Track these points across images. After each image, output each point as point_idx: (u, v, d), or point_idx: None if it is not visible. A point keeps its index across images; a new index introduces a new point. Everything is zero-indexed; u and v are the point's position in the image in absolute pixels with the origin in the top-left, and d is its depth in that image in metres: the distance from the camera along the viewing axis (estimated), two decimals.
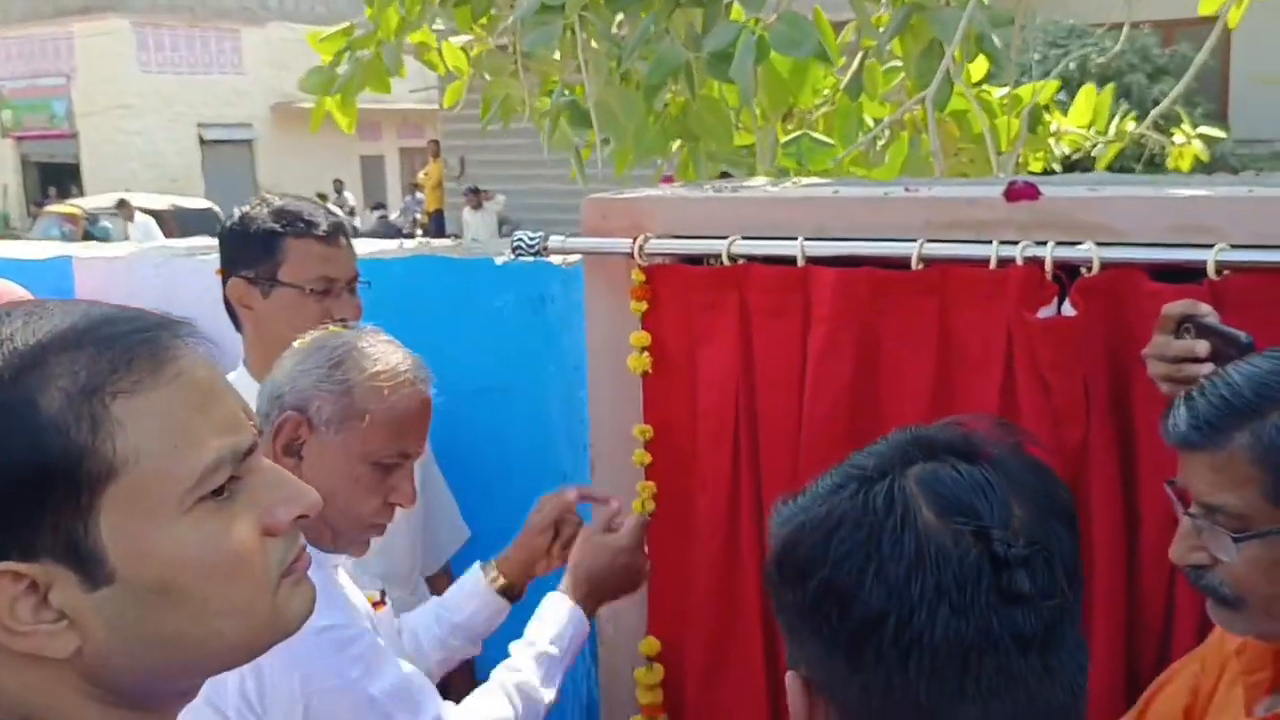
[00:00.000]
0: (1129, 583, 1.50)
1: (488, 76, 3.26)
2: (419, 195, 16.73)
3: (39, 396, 0.67)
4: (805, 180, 2.28)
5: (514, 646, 1.51)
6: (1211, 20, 2.78)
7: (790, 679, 0.76)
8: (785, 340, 1.65)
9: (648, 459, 1.77)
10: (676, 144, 2.87)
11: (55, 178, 19.78)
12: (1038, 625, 0.72)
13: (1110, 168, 3.07)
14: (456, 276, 2.02)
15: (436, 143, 15.42)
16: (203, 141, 20.76)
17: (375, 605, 1.51)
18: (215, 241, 1.95)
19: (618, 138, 2.28)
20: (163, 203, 14.61)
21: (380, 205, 18.88)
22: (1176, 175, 3.00)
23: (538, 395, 1.99)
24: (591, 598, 1.57)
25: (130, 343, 0.71)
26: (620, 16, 2.67)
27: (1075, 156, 3.08)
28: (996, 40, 2.59)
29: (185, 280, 2.27)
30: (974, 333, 1.54)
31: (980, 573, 0.72)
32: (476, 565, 1.66)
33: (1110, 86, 3.06)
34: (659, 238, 1.73)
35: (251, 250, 1.75)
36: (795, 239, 1.62)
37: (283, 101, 21.67)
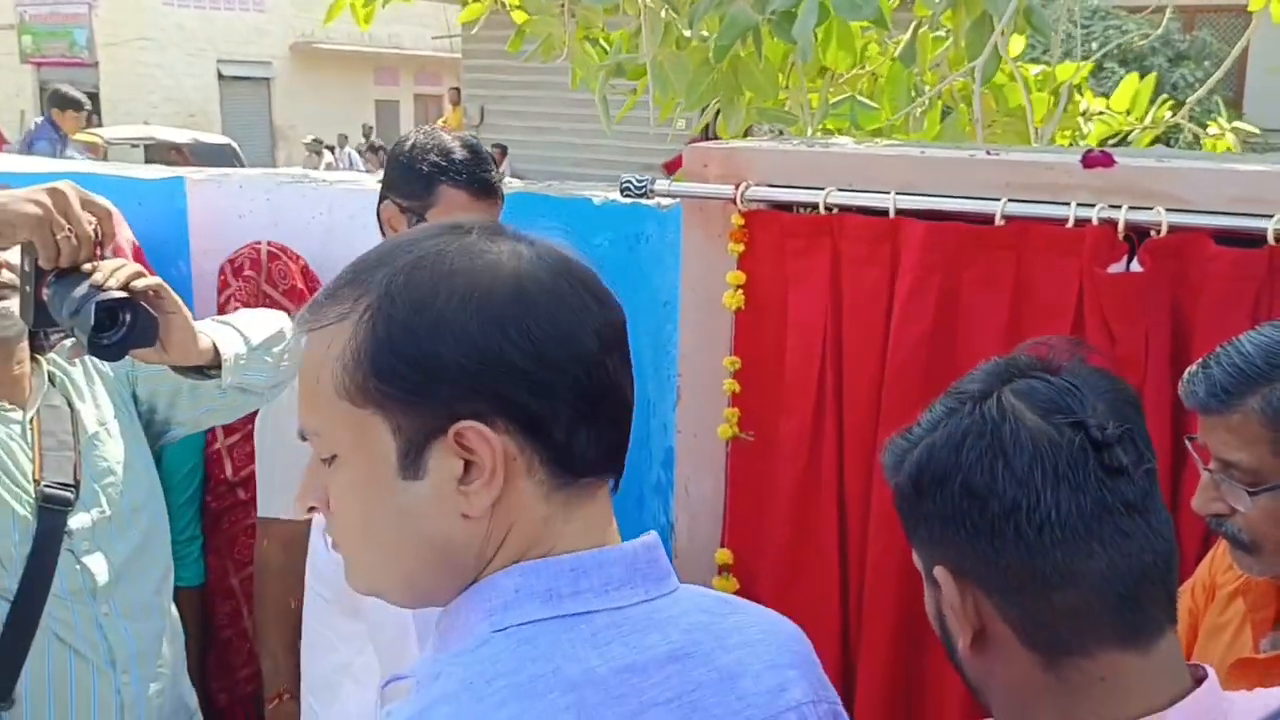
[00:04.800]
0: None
1: (513, 14, 3.37)
2: None
3: None
4: (860, 140, 2.44)
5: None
6: (1229, 9, 2.92)
7: (940, 574, 0.93)
8: (873, 285, 1.81)
9: (736, 387, 1.94)
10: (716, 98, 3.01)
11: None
12: (1137, 490, 0.89)
13: None
14: (557, 214, 2.18)
15: (458, 90, 15.45)
16: (221, 78, 20.77)
17: None
18: (318, 171, 2.09)
19: (667, 94, 2.42)
20: (184, 136, 14.66)
21: None
22: (1232, 154, 3.14)
23: (629, 328, 2.15)
24: None
25: None
26: None
27: (1112, 141, 3.22)
28: (1043, 17, 2.74)
29: (295, 204, 2.43)
30: (1048, 285, 1.71)
31: (1086, 455, 0.88)
32: None
33: (1152, 76, 3.21)
34: (757, 185, 1.90)
35: (411, 182, 1.87)
36: (887, 192, 1.79)
37: (302, 41, 21.65)
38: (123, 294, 1.51)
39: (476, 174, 1.85)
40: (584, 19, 2.93)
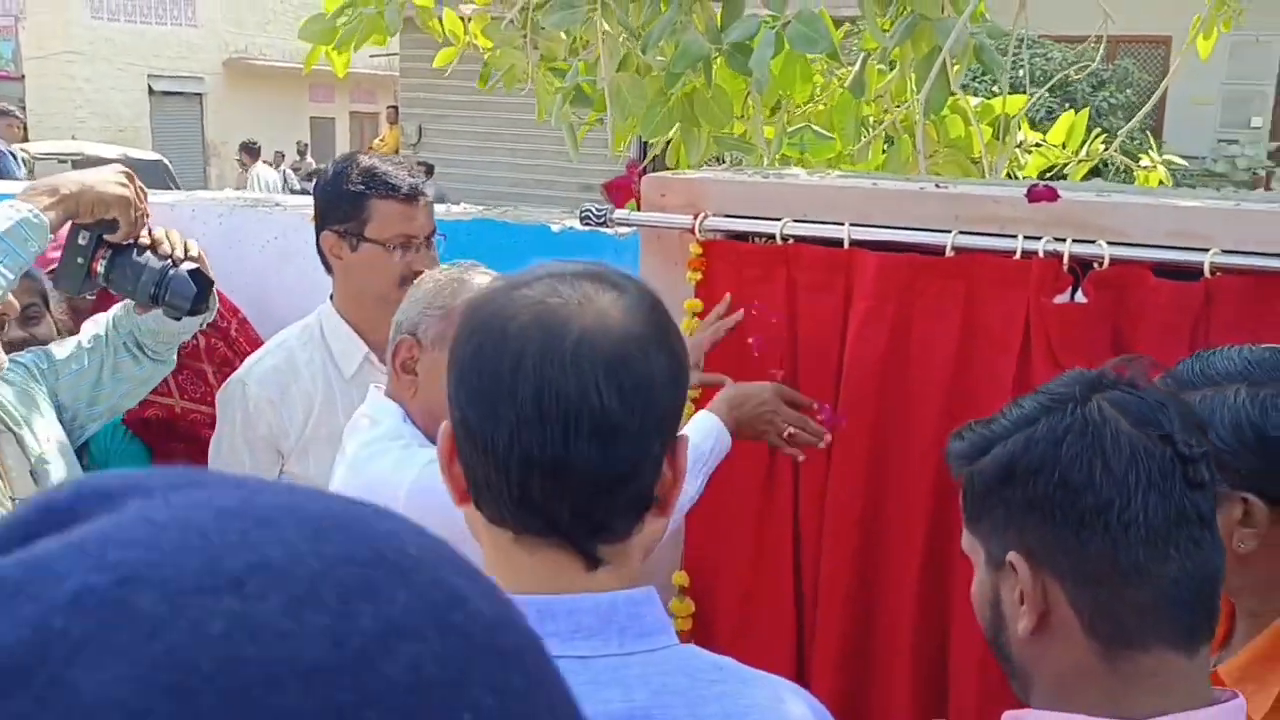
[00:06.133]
0: None
1: (477, 44, 3.42)
2: None
3: None
4: (813, 171, 2.50)
5: None
6: (1149, 39, 3.05)
7: (1014, 558, 0.99)
8: (828, 313, 1.87)
9: (692, 410, 1.98)
10: (674, 127, 3.07)
11: None
12: (1209, 505, 0.98)
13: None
14: (515, 240, 2.21)
15: (395, 108, 15.41)
16: (152, 92, 20.48)
17: None
18: (278, 195, 2.13)
19: (625, 119, 2.48)
20: (113, 152, 14.42)
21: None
22: (1168, 189, 3.27)
23: None
24: (732, 419, 1.71)
25: None
26: (633, 4, 2.85)
27: (1049, 174, 3.33)
28: (993, 54, 2.83)
29: (249, 229, 2.43)
30: (996, 314, 1.77)
31: (1174, 466, 0.96)
32: None
33: (1085, 111, 3.33)
34: (714, 216, 1.94)
35: (342, 208, 1.94)
36: (841, 224, 1.84)
37: (235, 56, 21.44)
38: (195, 264, 1.83)
39: (402, 180, 1.94)
40: (547, 49, 2.97)
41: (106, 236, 1.78)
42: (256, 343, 2.26)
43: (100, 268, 1.78)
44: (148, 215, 1.83)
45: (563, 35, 3.03)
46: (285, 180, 15.92)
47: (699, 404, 1.82)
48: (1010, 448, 1.01)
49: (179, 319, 1.84)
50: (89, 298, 2.03)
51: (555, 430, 0.86)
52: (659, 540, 0.97)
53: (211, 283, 1.88)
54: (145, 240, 1.83)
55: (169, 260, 1.81)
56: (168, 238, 1.85)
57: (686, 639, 2.00)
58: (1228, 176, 10.51)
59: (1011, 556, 1.00)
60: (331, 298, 2.02)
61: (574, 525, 0.89)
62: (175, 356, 2.03)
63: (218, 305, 2.04)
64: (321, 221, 1.98)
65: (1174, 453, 0.96)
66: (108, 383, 1.92)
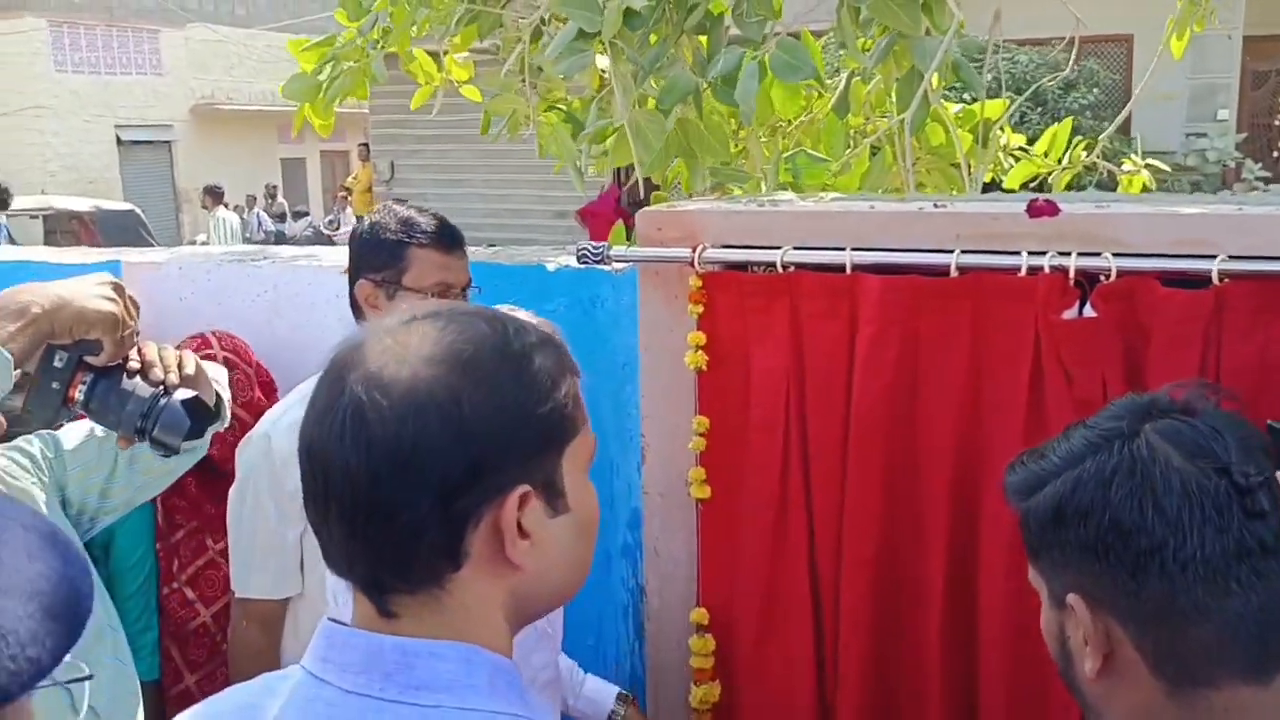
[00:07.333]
0: None
1: (453, 81, 3.41)
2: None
3: (551, 369, 0.91)
4: (808, 196, 2.49)
5: None
6: (1113, 39, 3.08)
7: (1074, 600, 0.97)
8: (832, 340, 1.85)
9: (703, 445, 1.96)
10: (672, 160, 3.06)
11: None
12: (1273, 534, 0.95)
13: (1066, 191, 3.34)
14: (510, 281, 2.18)
15: (366, 146, 15.39)
16: (120, 143, 20.40)
17: None
18: (259, 247, 2.10)
19: (648, 152, 2.46)
20: (85, 205, 14.36)
21: (302, 212, 18.63)
22: (1166, 194, 3.28)
23: (588, 391, 2.16)
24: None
25: (562, 341, 0.96)
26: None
27: (1034, 182, 3.33)
28: (970, 70, 2.84)
29: (238, 284, 2.40)
30: (1004, 332, 1.75)
31: (1230, 499, 0.94)
32: (615, 691, 2.06)
33: (1068, 120, 3.34)
34: (713, 247, 1.92)
35: (379, 256, 1.92)
36: (841, 249, 1.83)
37: (202, 103, 21.40)
38: (192, 391, 1.55)
39: (442, 230, 1.92)
40: (545, 90, 2.96)
41: (88, 358, 1.51)
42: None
43: (78, 394, 1.51)
44: (136, 333, 1.57)
45: (560, 78, 3.03)
46: (249, 224, 15.88)
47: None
48: (1060, 488, 0.99)
49: (168, 456, 1.58)
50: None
51: (316, 484, 0.90)
52: (510, 592, 0.92)
53: (212, 412, 1.63)
54: (135, 362, 1.56)
55: (161, 387, 1.54)
56: (161, 359, 1.56)
57: (708, 677, 1.98)
58: (1198, 170, 10.58)
59: (1071, 599, 0.98)
60: None
61: (357, 578, 0.92)
62: (208, 444, 1.82)
63: (228, 416, 1.82)
64: (357, 271, 1.96)
65: (1230, 484, 0.94)
66: (123, 474, 1.74)
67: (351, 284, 1.95)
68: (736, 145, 3.06)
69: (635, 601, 2.26)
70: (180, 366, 1.57)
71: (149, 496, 1.89)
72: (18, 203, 14.32)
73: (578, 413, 0.94)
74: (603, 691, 2.08)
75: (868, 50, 2.96)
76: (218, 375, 1.82)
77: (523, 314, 1.62)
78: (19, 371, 1.45)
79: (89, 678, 0.80)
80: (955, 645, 1.83)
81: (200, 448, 1.79)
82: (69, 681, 0.77)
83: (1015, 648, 1.75)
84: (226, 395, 1.79)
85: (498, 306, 1.69)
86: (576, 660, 2.08)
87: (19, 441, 1.67)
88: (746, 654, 1.98)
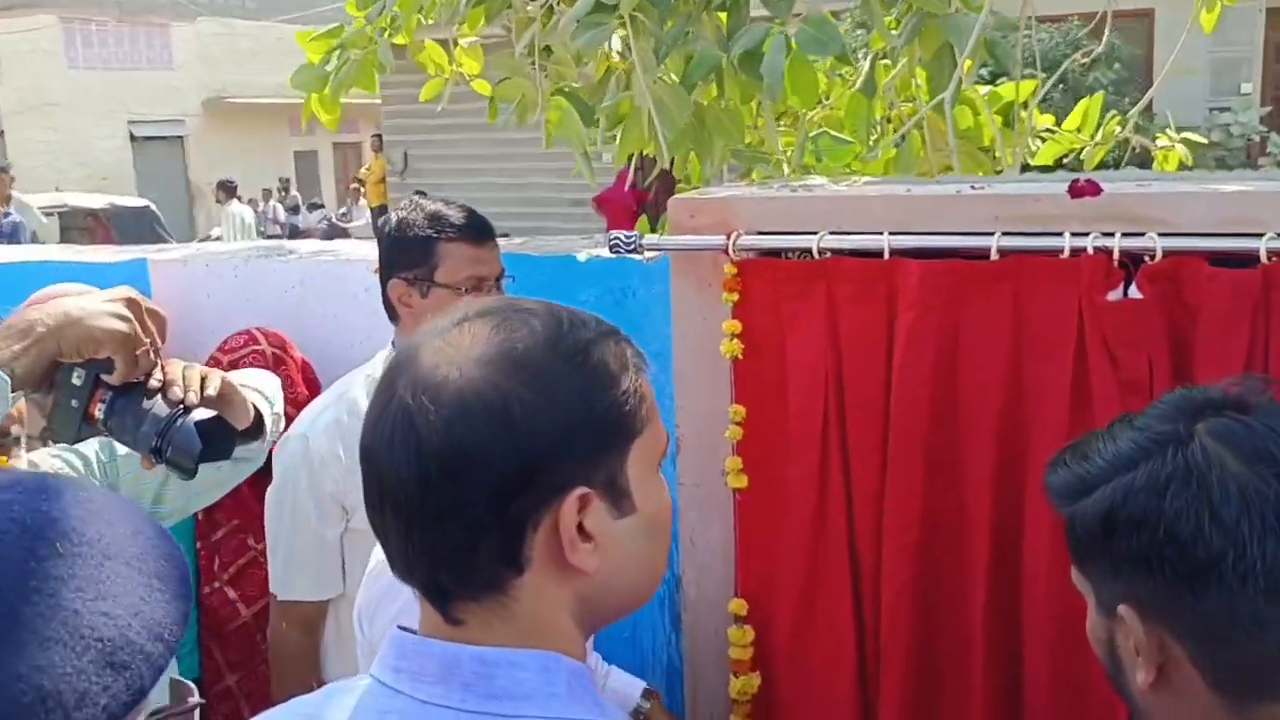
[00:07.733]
0: None
1: (463, 72, 3.36)
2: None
3: (610, 363, 0.88)
4: (840, 180, 2.45)
5: None
6: (1132, 13, 3.02)
7: (1125, 612, 0.93)
8: (871, 325, 1.82)
9: (740, 434, 1.93)
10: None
11: None
12: None
13: (1099, 168, 3.29)
14: (541, 272, 2.16)
15: (379, 137, 15.37)
16: (133, 138, 20.45)
17: None
18: (279, 242, 2.08)
19: (673, 131, 2.42)
20: (99, 201, 14.38)
21: (317, 204, 18.66)
22: (1204, 172, 3.23)
23: None
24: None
25: (626, 336, 0.93)
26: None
27: (1066, 158, 3.29)
28: (1005, 49, 2.79)
29: (265, 280, 2.38)
30: (1047, 315, 1.72)
31: None
32: (641, 686, 1.98)
33: (1100, 95, 3.29)
34: (747, 234, 1.90)
35: (410, 254, 1.90)
36: (879, 233, 1.80)
37: (214, 96, 21.42)
38: (211, 412, 1.49)
39: (470, 221, 1.89)
40: (555, 73, 2.92)
41: (104, 377, 1.46)
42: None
43: (99, 412, 1.45)
44: (157, 349, 1.48)
45: (571, 59, 2.98)
46: (265, 216, 15.88)
47: None
48: (1109, 495, 0.94)
49: (186, 478, 1.51)
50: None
51: (372, 489, 0.90)
52: (578, 597, 0.90)
53: (235, 432, 1.56)
54: (156, 381, 1.48)
55: (180, 407, 1.47)
56: (183, 378, 1.49)
57: (747, 668, 1.96)
58: (1223, 145, 10.48)
59: (1122, 610, 0.94)
60: (394, 344, 1.97)
61: (418, 583, 0.91)
62: (265, 455, 1.76)
63: (280, 428, 1.74)
64: (388, 270, 1.94)
65: None
66: (176, 483, 1.70)
67: (384, 284, 1.93)
68: (753, 130, 3.01)
69: (671, 592, 2.24)
70: (203, 386, 1.51)
71: (204, 505, 1.86)
72: (32, 200, 14.36)
73: (643, 408, 0.91)
74: (629, 685, 2.05)
75: (894, 30, 2.92)
76: (263, 385, 1.75)
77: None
78: (19, 393, 1.40)
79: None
80: (998, 636, 1.80)
81: (258, 458, 1.75)
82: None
83: (1061, 639, 1.72)
84: (279, 406, 1.74)
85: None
86: (613, 652, 2.07)
87: (74, 447, 1.65)
88: (785, 645, 1.96)
